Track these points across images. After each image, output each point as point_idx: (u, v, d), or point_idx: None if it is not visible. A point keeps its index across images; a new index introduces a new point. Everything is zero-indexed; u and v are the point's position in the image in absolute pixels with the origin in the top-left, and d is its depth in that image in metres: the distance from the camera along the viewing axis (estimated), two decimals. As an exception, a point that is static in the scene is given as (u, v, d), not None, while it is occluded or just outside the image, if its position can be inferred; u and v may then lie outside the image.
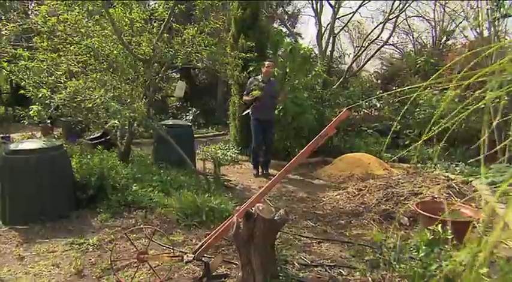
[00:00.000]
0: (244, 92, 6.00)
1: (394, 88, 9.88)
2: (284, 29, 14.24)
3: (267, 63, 5.90)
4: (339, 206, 4.58)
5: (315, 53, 12.70)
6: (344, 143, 7.89)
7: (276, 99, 6.03)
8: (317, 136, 2.62)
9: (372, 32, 15.35)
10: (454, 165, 6.15)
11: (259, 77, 5.92)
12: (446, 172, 5.53)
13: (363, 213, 4.25)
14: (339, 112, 7.60)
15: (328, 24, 14.89)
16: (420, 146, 6.58)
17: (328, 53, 14.15)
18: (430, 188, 4.42)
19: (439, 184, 4.52)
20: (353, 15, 14.79)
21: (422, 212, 3.33)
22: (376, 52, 15.28)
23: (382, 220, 4.04)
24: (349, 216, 4.22)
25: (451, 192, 4.27)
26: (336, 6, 13.85)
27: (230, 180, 5.54)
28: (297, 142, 7.08)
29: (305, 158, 3.15)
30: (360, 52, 15.77)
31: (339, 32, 15.73)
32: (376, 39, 14.78)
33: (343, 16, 15.59)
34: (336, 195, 5.00)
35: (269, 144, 6.11)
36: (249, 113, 6.03)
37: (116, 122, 4.12)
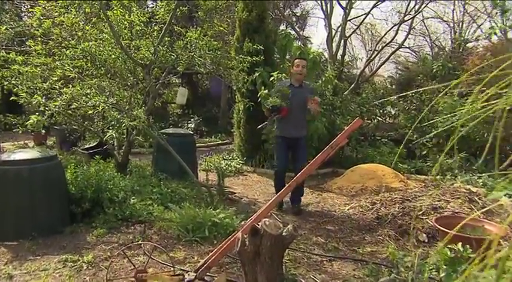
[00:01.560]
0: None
1: (410, 94, 9.85)
2: (292, 32, 14.35)
3: (296, 61, 4.89)
4: (352, 221, 4.55)
5: (324, 57, 12.75)
6: (356, 153, 7.85)
7: (313, 111, 4.86)
8: (328, 146, 2.63)
9: (385, 34, 15.38)
10: (476, 177, 6.08)
11: (288, 81, 5.06)
12: (468, 184, 5.47)
13: (378, 229, 4.22)
14: (351, 120, 7.65)
15: (338, 27, 14.95)
16: (439, 156, 6.55)
17: (339, 57, 14.18)
18: (450, 202, 4.38)
19: (459, 198, 4.47)
20: (365, 16, 14.84)
21: (442, 228, 3.30)
22: (390, 56, 15.29)
23: (398, 236, 4.01)
24: (363, 232, 4.19)
25: (473, 207, 4.23)
26: (348, 7, 13.92)
27: (234, 193, 5.54)
28: (307, 152, 7.06)
29: (315, 169, 3.14)
30: (373, 56, 15.79)
31: (351, 34, 15.76)
32: (390, 42, 14.79)
33: (354, 18, 15.64)
34: (348, 209, 4.98)
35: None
36: (263, 127, 5.23)
37: (114, 134, 4.14)
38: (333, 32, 14.73)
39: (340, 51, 14.39)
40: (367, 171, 6.25)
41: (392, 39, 14.72)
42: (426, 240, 3.82)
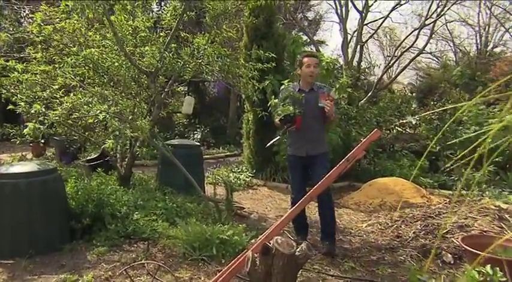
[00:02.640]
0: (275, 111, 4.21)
1: (432, 102, 9.78)
2: (304, 37, 14.42)
3: (306, 60, 4.11)
4: (370, 239, 4.50)
5: (339, 63, 12.78)
6: (374, 166, 7.79)
7: (330, 120, 4.14)
8: (344, 159, 2.61)
9: (405, 39, 15.39)
10: (506, 193, 5.98)
11: (295, 84, 4.30)
12: (497, 201, 5.38)
13: (398, 249, 4.16)
14: (368, 131, 7.62)
15: (354, 31, 15.01)
16: (465, 170, 6.46)
17: (354, 63, 14.20)
18: (477, 220, 4.31)
19: (488, 215, 4.40)
20: (384, 20, 14.92)
21: (469, 248, 3.24)
22: (410, 62, 15.28)
23: (421, 257, 3.94)
24: (382, 252, 4.13)
25: (503, 225, 4.16)
26: (364, 10, 13.98)
27: (244, 208, 5.53)
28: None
29: (330, 183, 3.12)
30: (392, 62, 15.78)
31: (368, 39, 15.82)
32: (410, 47, 14.79)
33: (372, 22, 15.72)
34: (365, 227, 4.93)
35: (326, 198, 4.01)
36: (274, 144, 4.79)
37: (113, 144, 4.16)
38: (349, 37, 14.80)
39: (356, 58, 14.43)
40: (386, 185, 6.20)
41: (413, 44, 14.72)
42: (452, 262, 3.75)
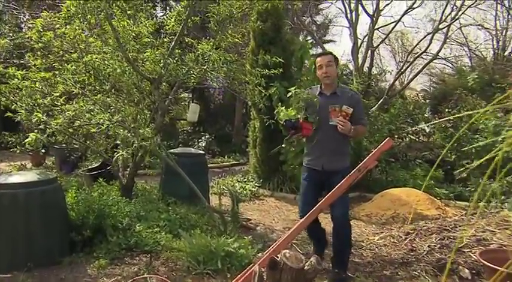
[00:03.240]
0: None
1: (446, 110, 9.74)
2: (313, 42, 14.49)
3: (318, 60, 3.80)
4: (382, 253, 4.46)
5: (349, 69, 12.80)
6: (386, 176, 7.76)
7: (357, 131, 3.67)
8: (355, 169, 2.60)
9: (418, 43, 15.37)
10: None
11: (317, 87, 3.92)
12: (516, 213, 5.33)
13: (412, 263, 4.11)
14: (379, 139, 7.60)
15: (365, 36, 15.03)
16: (482, 179, 6.40)
17: (365, 69, 14.20)
18: (496, 233, 4.26)
19: (507, 228, 4.35)
20: (395, 24, 14.90)
21: (487, 264, 3.21)
22: (423, 67, 15.23)
23: (436, 272, 3.90)
24: (395, 266, 4.09)
25: (524, 239, 4.11)
26: (375, 15, 14.01)
27: (250, 219, 5.52)
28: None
29: (341, 194, 3.11)
30: (404, 68, 15.75)
31: (379, 45, 15.84)
32: (423, 52, 14.76)
33: (383, 26, 15.74)
34: (377, 240, 4.89)
35: (341, 221, 3.67)
36: (278, 152, 4.50)
37: (124, 154, 4.15)
38: (359, 42, 14.81)
39: (367, 63, 14.43)
40: (399, 196, 6.16)
41: (426, 49, 14.66)
42: (469, 277, 3.71)
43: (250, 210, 6.25)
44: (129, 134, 4.17)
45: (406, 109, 10.36)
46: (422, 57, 15.16)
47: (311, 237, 4.16)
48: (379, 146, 2.64)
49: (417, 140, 9.96)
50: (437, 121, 8.66)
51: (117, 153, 4.16)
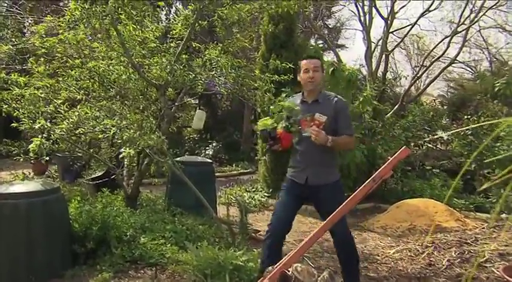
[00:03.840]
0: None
1: (465, 116, 9.67)
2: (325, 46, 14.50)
3: (303, 63, 3.56)
4: (399, 268, 4.42)
5: (362, 74, 12.80)
6: (402, 186, 7.72)
7: (338, 142, 3.37)
8: (370, 179, 2.58)
9: (435, 47, 15.33)
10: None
11: (299, 94, 3.75)
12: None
13: (431, 278, 4.08)
14: (394, 147, 7.56)
15: (379, 40, 15.03)
16: (504, 190, 6.33)
17: (379, 74, 14.18)
18: (520, 247, 4.21)
19: (532, 242, 4.30)
20: (411, 28, 14.91)
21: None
22: (441, 72, 15.15)
23: (456, 288, 3.87)
24: (413, 282, 4.06)
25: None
26: (389, 18, 14.00)
27: (259, 231, 5.49)
28: (343, 185, 6.99)
29: (354, 205, 3.09)
30: (421, 73, 15.70)
31: (393, 49, 15.82)
32: (441, 56, 14.71)
33: (398, 30, 15.73)
34: (393, 253, 4.84)
35: (341, 230, 3.37)
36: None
37: (132, 151, 4.12)
38: (373, 46, 14.81)
39: (381, 68, 14.41)
40: (416, 207, 6.12)
41: (444, 53, 14.62)
42: (491, 293, 3.67)
43: (260, 221, 6.23)
44: (135, 135, 4.17)
45: (424, 116, 10.32)
46: (440, 61, 15.10)
47: (268, 256, 3.53)
48: (395, 155, 2.61)
49: (435, 148, 9.89)
50: (458, 129, 8.60)
51: (125, 152, 4.12)
